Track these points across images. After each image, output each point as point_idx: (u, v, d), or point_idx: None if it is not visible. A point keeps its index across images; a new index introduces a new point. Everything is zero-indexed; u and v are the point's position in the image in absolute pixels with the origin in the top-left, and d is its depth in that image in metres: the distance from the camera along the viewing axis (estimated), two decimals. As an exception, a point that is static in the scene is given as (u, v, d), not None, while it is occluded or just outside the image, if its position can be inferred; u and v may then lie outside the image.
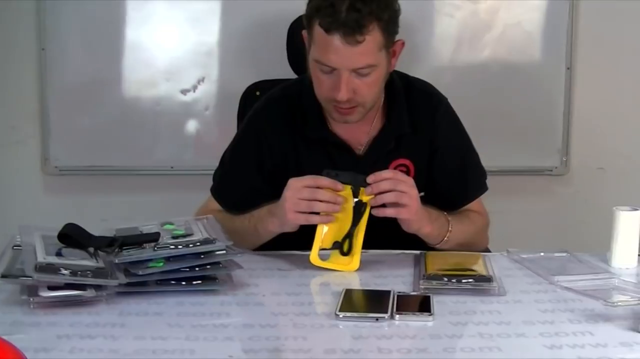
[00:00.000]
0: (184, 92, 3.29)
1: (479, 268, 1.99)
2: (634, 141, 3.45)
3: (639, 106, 3.42)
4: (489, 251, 2.29)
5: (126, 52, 3.28)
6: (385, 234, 2.08)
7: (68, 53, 3.25)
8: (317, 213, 2.03)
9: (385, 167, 2.22)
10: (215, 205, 2.33)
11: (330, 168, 2.13)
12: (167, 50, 3.29)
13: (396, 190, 2.03)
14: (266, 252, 2.18)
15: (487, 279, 1.92)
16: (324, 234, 2.03)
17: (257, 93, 2.71)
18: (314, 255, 2.00)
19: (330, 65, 2.09)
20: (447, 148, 2.32)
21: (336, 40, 2.04)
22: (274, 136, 2.29)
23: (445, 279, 1.90)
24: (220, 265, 1.90)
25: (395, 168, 2.25)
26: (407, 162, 2.29)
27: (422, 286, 1.89)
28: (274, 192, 2.12)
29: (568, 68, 3.34)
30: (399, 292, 1.83)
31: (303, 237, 2.07)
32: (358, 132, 2.27)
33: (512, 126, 3.38)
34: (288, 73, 2.58)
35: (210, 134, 3.31)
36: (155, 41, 3.28)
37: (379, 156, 2.27)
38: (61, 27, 3.23)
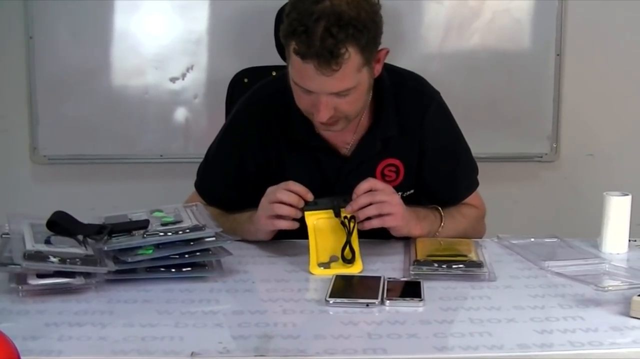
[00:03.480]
0: (173, 80, 3.28)
1: (470, 254, 1.98)
2: (623, 127, 3.46)
3: (628, 92, 3.43)
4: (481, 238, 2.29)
5: (114, 41, 3.27)
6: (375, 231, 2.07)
7: (56, 41, 3.24)
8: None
9: (373, 168, 2.21)
10: (200, 199, 2.31)
11: (314, 171, 2.17)
12: (155, 38, 3.28)
13: (375, 201, 2.01)
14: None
15: (478, 264, 1.91)
16: (318, 251, 1.99)
17: (245, 80, 2.71)
18: (313, 266, 1.96)
19: (307, 89, 2.02)
20: (436, 151, 2.27)
21: (310, 68, 1.94)
22: (256, 138, 2.25)
23: (436, 265, 1.90)
24: (210, 252, 1.90)
25: (384, 168, 2.23)
26: (396, 162, 2.25)
27: (413, 272, 1.89)
28: (258, 193, 2.10)
29: (558, 55, 3.34)
30: (389, 278, 1.83)
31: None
32: (344, 131, 2.20)
33: (502, 113, 3.38)
34: (276, 60, 2.56)
35: (199, 122, 3.31)
36: (143, 29, 3.28)
37: (366, 157, 2.23)
38: (49, 16, 3.21)
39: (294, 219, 2.03)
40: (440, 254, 1.98)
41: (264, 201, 2.06)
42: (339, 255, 1.96)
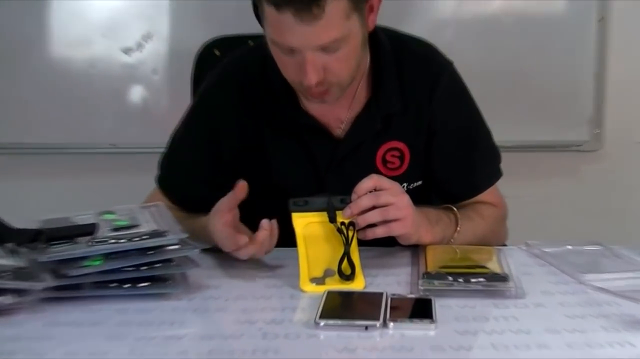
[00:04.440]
0: (127, 51, 3.29)
1: (492, 265, 1.99)
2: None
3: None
4: (504, 244, 2.29)
5: (54, 4, 3.26)
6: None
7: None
8: None
9: (372, 153, 2.22)
10: (163, 197, 2.32)
11: (302, 157, 2.19)
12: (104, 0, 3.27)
13: (379, 204, 1.98)
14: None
15: (502, 278, 1.91)
16: (310, 263, 1.98)
17: (216, 52, 2.71)
18: (304, 282, 1.95)
19: (288, 46, 2.00)
20: (449, 132, 2.27)
21: (288, 18, 1.91)
22: (231, 120, 2.26)
23: (450, 278, 1.90)
24: (173, 263, 1.89)
25: (385, 153, 2.23)
26: (400, 145, 2.25)
27: (422, 287, 1.88)
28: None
29: (600, 19, 3.34)
30: (393, 294, 1.83)
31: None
32: (337, 107, 2.21)
33: (531, 92, 3.39)
34: (253, 27, 2.55)
35: (159, 103, 3.32)
36: (90, -11, 3.28)
37: (363, 139, 2.23)
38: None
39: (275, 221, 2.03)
40: (455, 265, 1.98)
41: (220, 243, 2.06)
42: (336, 268, 1.95)
